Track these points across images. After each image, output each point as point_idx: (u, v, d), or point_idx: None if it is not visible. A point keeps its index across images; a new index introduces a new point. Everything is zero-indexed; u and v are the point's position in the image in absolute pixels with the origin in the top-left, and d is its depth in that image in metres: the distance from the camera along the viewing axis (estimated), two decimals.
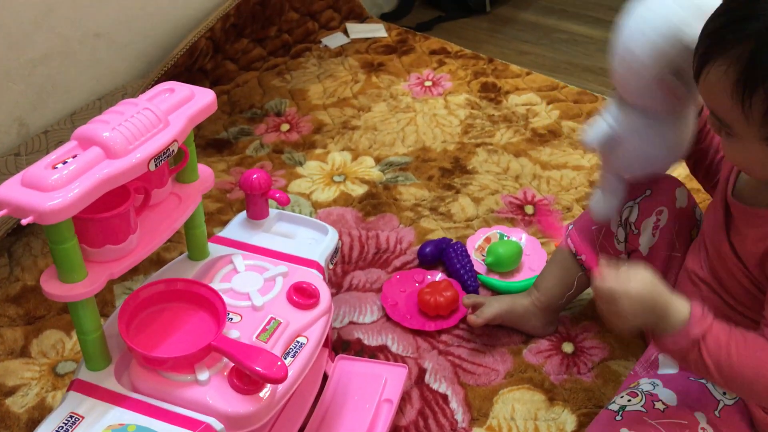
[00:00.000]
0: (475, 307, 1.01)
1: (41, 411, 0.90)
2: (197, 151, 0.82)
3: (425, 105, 1.54)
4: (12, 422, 0.90)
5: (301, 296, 0.82)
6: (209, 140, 1.41)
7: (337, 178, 1.33)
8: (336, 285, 1.11)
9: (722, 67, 0.66)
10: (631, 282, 0.71)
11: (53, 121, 1.27)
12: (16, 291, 1.07)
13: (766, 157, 0.69)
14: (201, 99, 0.77)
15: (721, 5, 0.69)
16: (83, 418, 0.70)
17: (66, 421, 0.69)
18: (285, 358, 0.76)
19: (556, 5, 2.13)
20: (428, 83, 1.61)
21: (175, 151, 0.72)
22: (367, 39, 1.77)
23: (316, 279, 0.85)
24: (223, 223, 0.94)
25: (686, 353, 0.70)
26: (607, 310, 0.72)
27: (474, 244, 1.17)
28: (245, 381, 0.71)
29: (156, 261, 1.11)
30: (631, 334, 0.91)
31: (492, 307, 1.00)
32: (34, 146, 1.21)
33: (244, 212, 0.96)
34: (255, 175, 0.92)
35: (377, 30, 1.80)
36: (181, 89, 0.77)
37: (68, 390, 0.73)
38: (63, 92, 1.29)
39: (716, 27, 0.67)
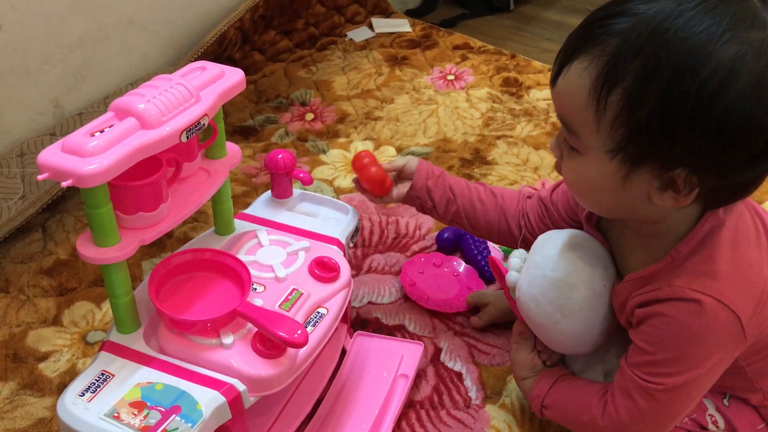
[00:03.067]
0: (478, 305, 1.04)
1: (72, 376, 0.94)
2: (224, 137, 0.85)
3: (447, 98, 1.57)
4: (44, 385, 0.94)
5: (323, 270, 0.85)
6: (236, 127, 1.45)
7: None
8: (356, 267, 1.14)
9: (584, 63, 0.63)
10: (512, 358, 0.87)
11: (87, 103, 1.32)
12: (49, 264, 1.12)
13: (606, 177, 0.67)
14: (231, 77, 0.80)
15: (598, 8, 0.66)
16: (114, 375, 0.73)
17: (98, 378, 0.73)
18: (306, 327, 0.79)
19: (579, 4, 2.14)
20: (451, 77, 1.64)
21: (206, 125, 0.75)
22: (391, 33, 1.80)
23: (336, 255, 0.88)
24: (249, 206, 0.98)
25: (540, 411, 0.83)
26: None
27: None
28: (268, 346, 0.74)
29: (183, 240, 1.15)
30: None
31: (495, 308, 1.02)
32: (68, 127, 1.26)
33: (269, 191, 0.99)
34: (280, 155, 0.95)
35: (402, 25, 1.83)
36: (212, 68, 0.80)
37: (100, 350, 0.76)
38: (97, 76, 1.33)
39: (585, 24, 0.65)
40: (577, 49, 0.65)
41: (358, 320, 1.04)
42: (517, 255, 0.84)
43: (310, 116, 1.50)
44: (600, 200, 0.71)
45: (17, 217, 1.11)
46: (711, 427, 0.81)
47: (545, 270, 0.78)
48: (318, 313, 0.82)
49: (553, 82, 0.68)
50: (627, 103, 0.62)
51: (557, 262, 0.78)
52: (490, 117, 1.50)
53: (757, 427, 0.83)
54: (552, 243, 0.81)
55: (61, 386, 0.93)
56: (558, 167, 0.73)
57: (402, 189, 0.95)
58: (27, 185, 1.16)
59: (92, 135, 0.68)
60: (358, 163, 0.94)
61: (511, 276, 0.83)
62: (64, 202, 1.21)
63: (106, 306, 1.05)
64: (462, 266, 1.12)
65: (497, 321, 1.02)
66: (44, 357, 0.98)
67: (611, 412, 0.75)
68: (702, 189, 0.64)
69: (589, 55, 0.63)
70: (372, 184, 0.93)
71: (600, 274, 0.78)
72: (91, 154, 0.66)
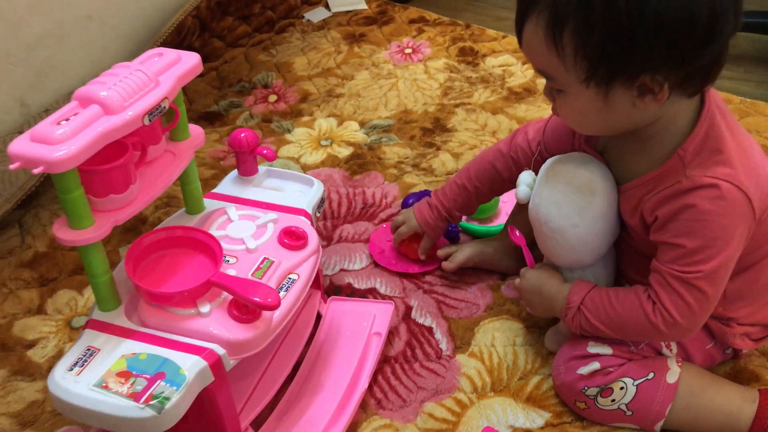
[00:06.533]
0: (448, 256, 1.09)
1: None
2: (190, 123, 0.89)
3: (406, 71, 1.61)
4: (34, 370, 0.98)
5: (291, 238, 0.90)
6: (201, 113, 1.49)
7: (324, 143, 1.40)
8: (327, 238, 1.18)
9: (533, 20, 0.73)
10: (525, 280, 0.92)
11: (53, 100, 1.34)
12: (28, 257, 1.15)
13: (592, 102, 0.75)
14: (187, 61, 0.84)
15: None
16: (99, 350, 0.77)
17: (84, 353, 0.77)
18: (279, 292, 0.83)
19: None
20: (408, 51, 1.68)
21: (166, 108, 0.79)
22: (348, 12, 1.84)
23: (304, 224, 0.93)
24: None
25: (578, 322, 0.86)
26: (524, 302, 0.95)
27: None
28: (243, 311, 0.79)
29: (157, 225, 1.19)
30: (545, 317, 1.00)
31: (463, 252, 1.08)
32: (36, 124, 1.28)
33: (236, 170, 1.03)
34: (243, 134, 0.99)
35: (358, 2, 1.87)
36: (168, 53, 0.84)
37: (84, 328, 0.80)
38: (60, 73, 1.36)
39: None
40: (524, 11, 0.75)
41: (331, 287, 1.10)
42: (527, 173, 0.91)
43: (273, 98, 1.54)
44: (596, 123, 0.79)
45: None
46: (665, 350, 0.88)
47: (567, 177, 0.86)
48: (289, 278, 0.86)
49: (519, 44, 0.78)
50: (578, 39, 0.71)
51: (577, 172, 0.85)
52: (448, 87, 1.55)
53: (706, 347, 0.90)
54: (568, 159, 0.88)
55: (50, 370, 0.97)
56: (554, 110, 0.82)
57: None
58: (0, 183, 1.19)
59: (59, 123, 0.72)
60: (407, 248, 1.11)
61: (523, 191, 0.90)
62: (38, 197, 1.24)
63: (88, 292, 1.09)
64: None
65: (466, 264, 1.08)
66: (32, 344, 1.02)
67: (660, 309, 0.80)
68: (671, 83, 0.72)
69: (534, 13, 0.73)
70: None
71: (612, 185, 0.85)
72: (59, 141, 0.70)
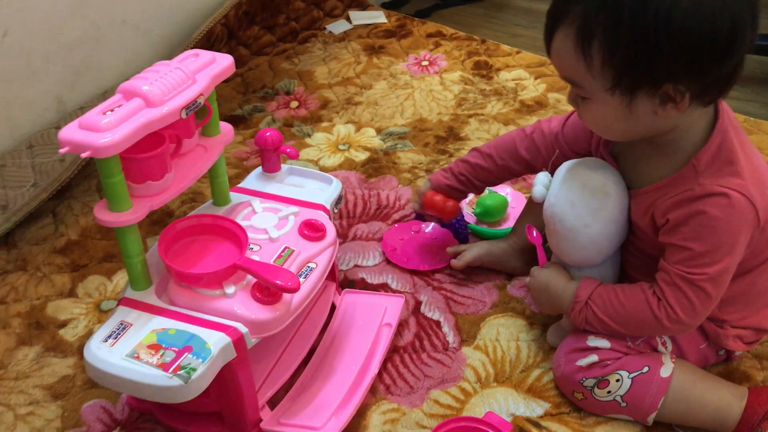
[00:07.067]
0: (457, 254, 1.15)
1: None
2: (218, 117, 0.96)
3: (422, 82, 1.68)
4: (66, 348, 1.05)
5: (310, 230, 0.96)
6: (226, 117, 1.56)
7: (341, 147, 1.47)
8: (342, 236, 1.25)
9: (563, 31, 0.78)
10: (533, 279, 0.97)
11: (87, 98, 1.42)
12: (61, 244, 1.22)
13: (616, 110, 0.80)
14: (221, 62, 0.91)
15: None
16: (131, 324, 0.84)
17: (118, 327, 0.83)
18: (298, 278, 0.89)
19: None
20: (425, 63, 1.75)
21: (201, 103, 0.86)
22: (368, 25, 1.91)
23: (323, 217, 0.99)
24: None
25: (584, 315, 0.91)
26: (532, 299, 1.02)
27: (466, 199, 1.30)
28: (265, 293, 0.85)
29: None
30: (552, 314, 1.05)
31: (471, 251, 1.14)
32: (71, 120, 1.35)
33: (260, 167, 1.10)
34: (268, 133, 1.06)
35: (378, 16, 1.94)
36: (204, 54, 0.91)
37: (117, 305, 0.87)
38: (95, 73, 1.44)
39: (554, 2, 0.80)
40: (555, 22, 0.79)
41: (345, 281, 1.15)
42: (544, 174, 0.97)
43: (294, 104, 1.61)
44: (619, 130, 0.84)
45: (30, 202, 1.22)
46: (660, 348, 0.93)
47: (583, 180, 0.91)
48: (308, 267, 0.92)
49: (548, 53, 0.83)
50: (606, 50, 0.76)
51: (592, 175, 0.91)
52: (462, 98, 1.62)
53: (700, 346, 0.95)
54: (584, 163, 0.93)
55: (81, 348, 1.03)
56: (578, 115, 0.87)
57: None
58: (37, 174, 1.26)
59: (104, 113, 0.79)
60: (429, 202, 1.12)
61: (539, 190, 0.95)
62: (71, 189, 1.31)
63: (116, 278, 1.15)
64: (438, 230, 1.23)
65: (474, 263, 1.13)
66: (63, 324, 1.08)
67: (665, 306, 0.85)
68: (692, 92, 0.77)
69: (564, 25, 0.78)
70: (446, 213, 1.12)
71: (624, 189, 0.91)
72: (105, 129, 0.77)
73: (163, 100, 0.82)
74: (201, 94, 0.85)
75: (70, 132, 0.78)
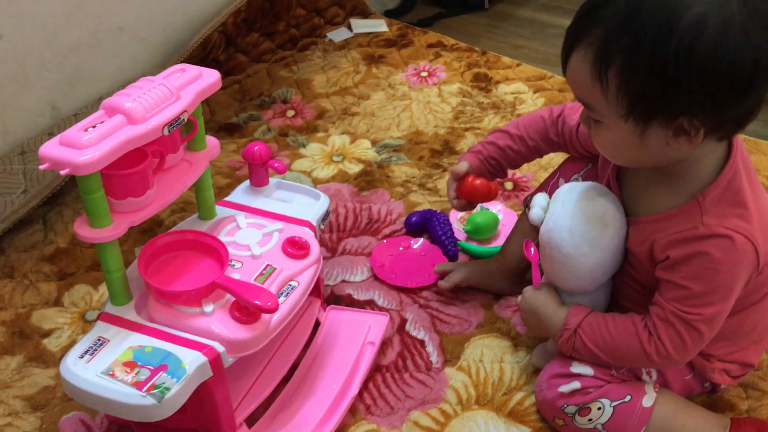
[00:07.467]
0: (444, 274, 1.14)
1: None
2: (211, 134, 0.95)
3: (420, 93, 1.67)
4: (48, 358, 1.05)
5: (294, 248, 0.95)
6: (222, 125, 1.56)
7: (335, 158, 1.46)
8: (331, 250, 1.24)
9: (581, 52, 0.76)
10: (524, 300, 0.96)
11: (82, 105, 1.42)
12: (50, 252, 1.22)
13: (627, 137, 0.77)
14: (208, 78, 0.91)
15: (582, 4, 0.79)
16: (109, 340, 0.83)
17: (95, 343, 0.83)
18: (278, 297, 0.89)
19: (552, 2, 2.24)
20: (424, 74, 1.74)
21: (185, 120, 0.86)
22: (369, 33, 1.91)
23: (307, 235, 0.99)
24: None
25: (572, 342, 0.90)
26: (521, 320, 1.01)
27: (456, 216, 1.30)
28: (244, 313, 0.85)
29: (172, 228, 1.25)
30: (539, 336, 1.04)
31: (459, 272, 1.13)
32: (65, 127, 1.34)
33: (248, 181, 1.10)
34: (256, 147, 1.05)
35: (379, 25, 1.94)
36: (191, 69, 0.91)
37: (96, 320, 0.87)
38: (90, 80, 1.44)
39: (575, 20, 0.78)
40: (574, 40, 0.77)
41: (332, 296, 1.15)
42: (542, 196, 0.95)
43: (291, 113, 1.60)
44: (628, 156, 0.82)
45: (20, 209, 1.22)
46: (644, 377, 0.92)
47: (582, 207, 0.89)
48: (290, 285, 0.92)
49: (564, 71, 0.80)
50: (623, 77, 0.74)
51: (592, 203, 0.89)
52: (460, 111, 1.61)
53: (685, 377, 0.94)
54: (585, 189, 0.91)
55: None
56: (588, 137, 0.85)
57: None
58: (28, 180, 1.27)
59: (86, 130, 0.79)
60: (471, 187, 1.03)
61: (536, 213, 0.93)
62: (63, 196, 1.31)
63: (103, 288, 1.15)
64: (427, 247, 1.23)
65: (461, 284, 1.12)
66: (47, 333, 1.08)
67: (656, 341, 0.84)
68: (707, 127, 0.74)
69: (583, 45, 0.76)
70: (492, 195, 1.04)
71: (623, 219, 0.89)
72: (85, 146, 0.77)
73: (146, 117, 0.81)
74: (185, 111, 0.85)
75: (51, 148, 0.77)
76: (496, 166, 1.06)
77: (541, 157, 1.07)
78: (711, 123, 0.74)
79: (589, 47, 0.75)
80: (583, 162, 1.01)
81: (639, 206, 0.88)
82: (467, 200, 1.05)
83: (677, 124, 0.74)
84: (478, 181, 1.03)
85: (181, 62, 1.47)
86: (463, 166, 1.04)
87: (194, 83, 0.89)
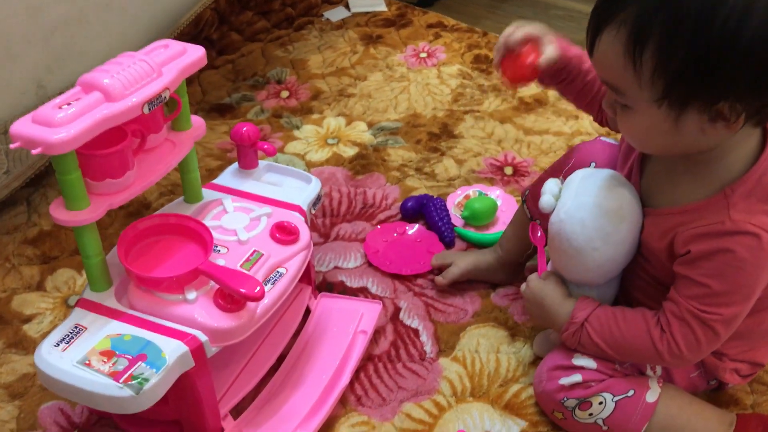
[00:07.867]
0: (442, 268, 1.10)
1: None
2: (202, 114, 0.91)
3: (419, 75, 1.62)
4: (28, 344, 1.01)
5: (282, 233, 0.91)
6: (213, 105, 1.51)
7: (330, 141, 1.42)
8: (324, 235, 1.20)
9: (613, 31, 0.70)
10: (529, 289, 0.91)
11: (69, 83, 1.37)
12: (33, 234, 1.18)
13: (660, 123, 0.72)
14: (192, 54, 0.87)
15: None
16: (86, 328, 0.80)
17: (72, 330, 0.80)
18: (265, 285, 0.85)
19: None
20: (423, 55, 1.69)
21: (167, 98, 0.82)
22: (367, 12, 1.85)
23: (297, 220, 0.95)
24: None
25: (578, 336, 0.86)
26: (526, 309, 0.97)
27: (454, 201, 1.26)
28: (228, 300, 0.81)
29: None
30: (543, 326, 1.00)
31: (458, 267, 1.08)
32: None
33: (236, 163, 1.06)
34: (244, 128, 1.01)
35: (378, 4, 1.89)
36: (174, 45, 0.87)
37: (74, 307, 0.83)
38: (77, 57, 1.39)
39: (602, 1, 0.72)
40: (603, 19, 0.71)
41: (324, 283, 1.11)
42: (554, 182, 0.88)
43: (285, 94, 1.56)
44: (658, 143, 0.76)
45: (2, 190, 1.18)
46: (648, 371, 0.88)
47: (598, 199, 0.83)
48: (277, 272, 0.88)
49: (590, 53, 0.74)
50: (660, 57, 0.68)
51: (608, 195, 0.83)
52: (459, 93, 1.56)
53: (690, 375, 0.90)
54: (601, 178, 0.85)
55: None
56: (612, 124, 0.79)
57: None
58: (11, 161, 1.22)
59: (60, 107, 0.75)
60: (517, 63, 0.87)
61: (548, 200, 0.87)
62: (48, 177, 1.27)
63: None
64: (423, 233, 1.19)
65: (459, 279, 1.08)
66: (28, 319, 1.05)
67: (669, 339, 0.80)
68: (748, 112, 0.69)
69: (615, 23, 0.69)
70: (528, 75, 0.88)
71: (640, 211, 0.83)
72: (59, 124, 0.73)
73: (124, 94, 0.77)
74: (166, 88, 0.81)
75: (22, 126, 0.74)
76: (575, 70, 0.90)
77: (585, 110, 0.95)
78: (753, 108, 0.69)
79: (623, 25, 0.69)
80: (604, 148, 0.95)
81: (659, 197, 0.83)
82: (511, 79, 0.90)
83: (716, 109, 0.69)
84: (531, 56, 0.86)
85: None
86: (550, 51, 0.86)
87: (178, 59, 0.85)
